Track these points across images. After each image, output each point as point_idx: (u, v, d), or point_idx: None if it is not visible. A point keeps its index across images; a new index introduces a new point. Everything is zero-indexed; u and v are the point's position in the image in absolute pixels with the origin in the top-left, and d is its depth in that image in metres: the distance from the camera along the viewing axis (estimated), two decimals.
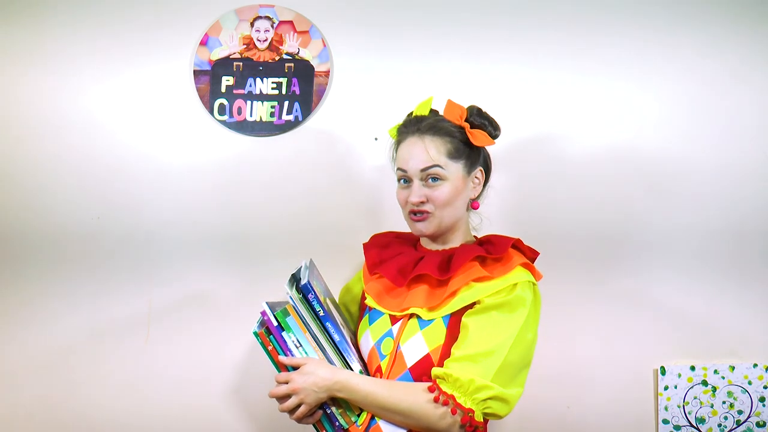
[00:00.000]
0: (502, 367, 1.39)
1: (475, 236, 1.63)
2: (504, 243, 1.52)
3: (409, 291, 1.53)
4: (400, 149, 1.57)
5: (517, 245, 1.55)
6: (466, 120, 1.55)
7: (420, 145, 1.52)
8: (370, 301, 1.59)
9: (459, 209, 1.55)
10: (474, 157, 1.56)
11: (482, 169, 1.58)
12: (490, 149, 1.62)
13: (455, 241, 1.58)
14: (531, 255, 1.56)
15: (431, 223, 1.52)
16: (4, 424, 1.93)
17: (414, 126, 1.55)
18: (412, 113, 1.60)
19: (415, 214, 1.53)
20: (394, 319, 1.53)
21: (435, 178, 1.51)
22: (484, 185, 1.61)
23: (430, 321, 1.47)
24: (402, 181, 1.55)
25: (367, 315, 1.60)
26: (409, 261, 1.56)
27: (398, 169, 1.56)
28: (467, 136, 1.53)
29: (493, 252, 1.50)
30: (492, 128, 1.57)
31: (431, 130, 1.53)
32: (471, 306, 1.46)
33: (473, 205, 1.59)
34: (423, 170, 1.51)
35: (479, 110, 1.58)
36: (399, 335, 1.50)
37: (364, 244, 1.69)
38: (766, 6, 1.93)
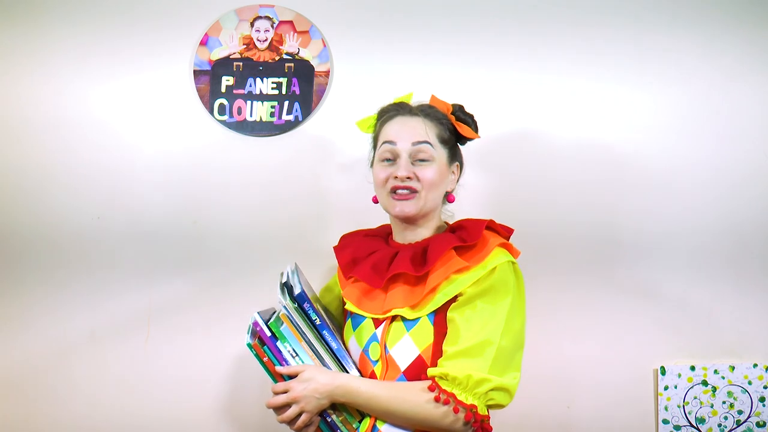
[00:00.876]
0: (497, 356, 1.39)
1: (446, 222, 1.62)
2: (477, 227, 1.50)
3: (387, 292, 1.50)
4: (389, 125, 1.55)
5: (491, 226, 1.54)
6: (452, 113, 1.58)
7: (415, 121, 1.53)
8: (350, 306, 1.56)
9: (439, 196, 1.55)
10: (455, 150, 1.59)
11: (459, 164, 1.60)
12: (473, 152, 1.63)
13: (428, 232, 1.56)
14: (506, 233, 1.55)
15: (416, 204, 1.50)
16: (4, 425, 1.93)
17: (405, 108, 1.57)
18: (387, 105, 1.62)
19: (397, 191, 1.50)
20: (377, 322, 1.50)
21: (423, 159, 1.50)
22: (457, 182, 1.62)
23: (416, 321, 1.45)
24: (385, 160, 1.54)
25: (349, 319, 1.57)
26: (383, 258, 1.53)
27: (385, 142, 1.53)
28: (454, 127, 1.56)
29: (468, 239, 1.48)
30: (474, 126, 1.60)
31: (423, 112, 1.55)
32: (454, 299, 1.45)
33: (449, 198, 1.59)
34: (414, 144, 1.50)
35: (462, 107, 1.60)
36: (384, 338, 1.47)
37: (334, 247, 1.66)
38: (765, 7, 1.94)
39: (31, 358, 1.94)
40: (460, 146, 1.61)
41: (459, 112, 1.59)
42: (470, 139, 1.59)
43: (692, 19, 1.93)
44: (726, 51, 1.93)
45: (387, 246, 1.59)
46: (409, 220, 1.54)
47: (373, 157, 1.60)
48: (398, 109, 1.57)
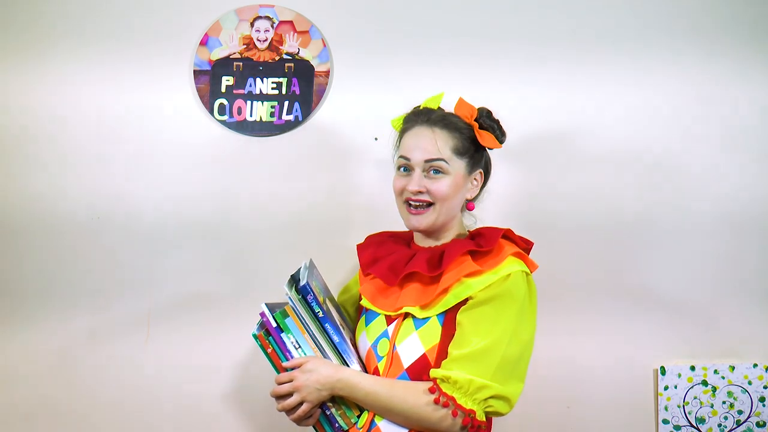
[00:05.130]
0: (501, 363, 1.39)
1: (468, 230, 1.62)
2: (494, 234, 1.51)
3: (401, 290, 1.52)
4: (406, 137, 1.55)
5: (508, 235, 1.53)
6: (476, 120, 1.55)
7: (428, 136, 1.51)
8: (365, 302, 1.58)
9: (455, 207, 1.54)
10: (477, 158, 1.56)
11: (482, 171, 1.58)
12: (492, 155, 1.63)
13: (447, 238, 1.56)
14: (524, 245, 1.55)
15: (428, 218, 1.51)
16: (4, 425, 1.93)
17: (424, 116, 1.55)
18: (419, 106, 1.60)
19: (412, 205, 1.51)
20: (389, 320, 1.52)
21: (437, 171, 1.50)
22: (482, 188, 1.61)
23: (425, 320, 1.46)
24: (402, 169, 1.54)
25: (363, 316, 1.60)
26: (401, 258, 1.55)
27: (401, 156, 1.54)
28: (475, 135, 1.53)
29: (484, 245, 1.48)
30: (499, 132, 1.58)
31: (440, 122, 1.53)
32: (464, 302, 1.45)
33: (468, 206, 1.58)
34: (427, 161, 1.50)
35: (489, 112, 1.58)
36: (394, 336, 1.49)
37: (357, 245, 1.68)
38: (765, 7, 1.94)
39: (30, 359, 1.94)
40: (487, 150, 1.59)
41: (484, 118, 1.56)
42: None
43: (692, 19, 1.94)
44: (726, 51, 1.93)
45: (408, 248, 1.60)
46: (425, 233, 1.56)
47: (396, 158, 1.60)
48: (417, 117, 1.56)
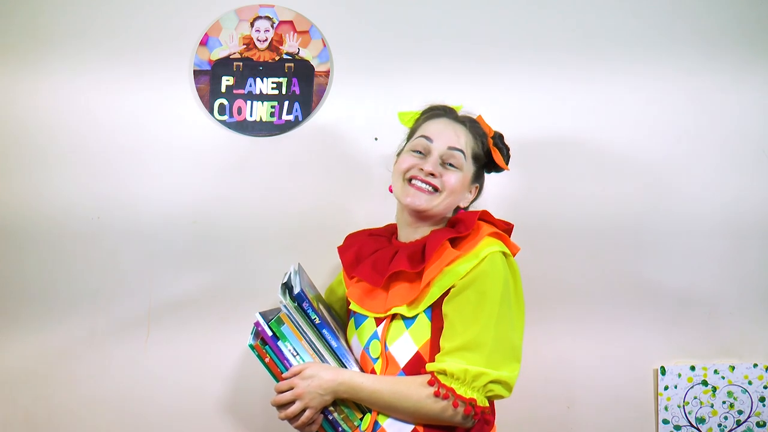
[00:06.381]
0: (493, 348, 1.39)
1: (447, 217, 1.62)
2: (471, 217, 1.52)
3: (388, 291, 1.51)
4: (431, 123, 1.57)
5: (484, 217, 1.55)
6: (491, 137, 1.59)
7: (456, 128, 1.55)
8: (354, 306, 1.57)
9: (452, 204, 1.55)
10: (480, 173, 1.60)
11: (478, 186, 1.61)
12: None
13: (429, 231, 1.56)
14: (504, 226, 1.56)
15: (429, 201, 1.51)
16: (4, 425, 1.93)
17: (452, 113, 1.59)
18: (437, 105, 1.63)
19: (415, 182, 1.51)
20: (378, 321, 1.52)
21: (452, 164, 1.52)
22: (472, 202, 1.62)
23: (414, 318, 1.46)
24: (416, 152, 1.54)
25: (353, 318, 1.59)
26: (383, 258, 1.54)
27: (422, 136, 1.54)
28: (489, 150, 1.57)
29: (463, 230, 1.49)
30: (507, 157, 1.62)
31: (467, 124, 1.57)
32: (448, 292, 1.45)
33: (459, 213, 1.59)
34: (450, 148, 1.52)
35: (502, 136, 1.62)
36: (384, 336, 1.49)
37: (338, 248, 1.67)
38: (765, 8, 1.94)
39: (31, 358, 1.94)
40: (485, 173, 1.63)
41: (498, 139, 1.61)
42: (498, 170, 1.61)
43: (693, 22, 1.94)
44: (727, 54, 1.93)
45: (389, 245, 1.60)
46: (416, 215, 1.54)
47: (403, 147, 1.61)
48: (446, 111, 1.59)
